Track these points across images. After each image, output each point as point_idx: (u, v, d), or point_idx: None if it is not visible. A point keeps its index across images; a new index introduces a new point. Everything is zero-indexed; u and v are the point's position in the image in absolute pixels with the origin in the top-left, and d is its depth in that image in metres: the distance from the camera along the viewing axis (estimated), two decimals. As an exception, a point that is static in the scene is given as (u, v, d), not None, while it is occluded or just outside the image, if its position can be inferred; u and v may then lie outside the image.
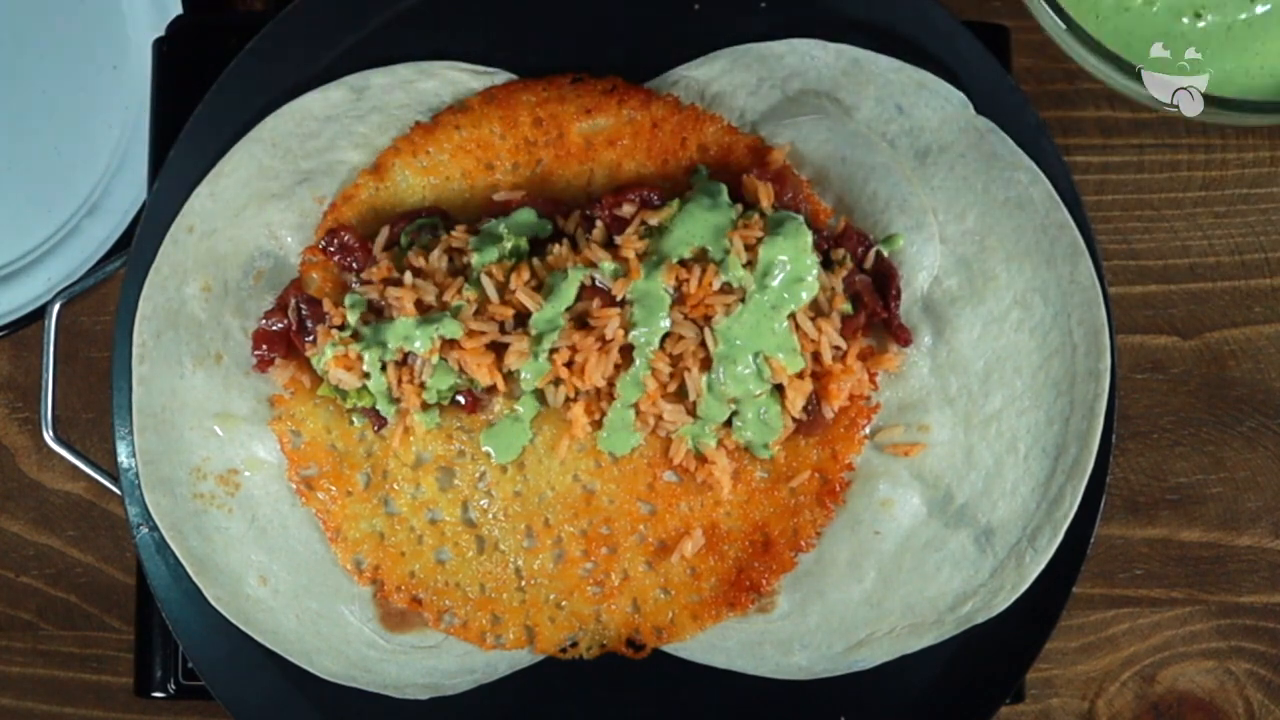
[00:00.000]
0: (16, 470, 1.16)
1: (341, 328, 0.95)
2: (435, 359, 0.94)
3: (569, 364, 0.94)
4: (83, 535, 1.15)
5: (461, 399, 0.96)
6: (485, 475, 0.98)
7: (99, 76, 1.17)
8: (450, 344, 0.94)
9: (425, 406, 0.96)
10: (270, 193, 0.98)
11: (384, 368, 0.95)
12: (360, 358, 0.95)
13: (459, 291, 0.94)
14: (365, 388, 0.96)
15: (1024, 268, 0.97)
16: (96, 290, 1.09)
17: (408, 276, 0.95)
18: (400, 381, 0.95)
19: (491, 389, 0.96)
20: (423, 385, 0.95)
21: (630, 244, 0.94)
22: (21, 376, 1.16)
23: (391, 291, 0.94)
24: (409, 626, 0.98)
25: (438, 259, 0.95)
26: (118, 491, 0.99)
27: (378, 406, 0.96)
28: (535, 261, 0.95)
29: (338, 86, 0.97)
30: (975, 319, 0.98)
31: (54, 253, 1.16)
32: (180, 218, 0.97)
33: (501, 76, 1.00)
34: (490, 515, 0.98)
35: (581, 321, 0.94)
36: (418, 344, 0.93)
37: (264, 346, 0.98)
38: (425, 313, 0.94)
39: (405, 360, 0.95)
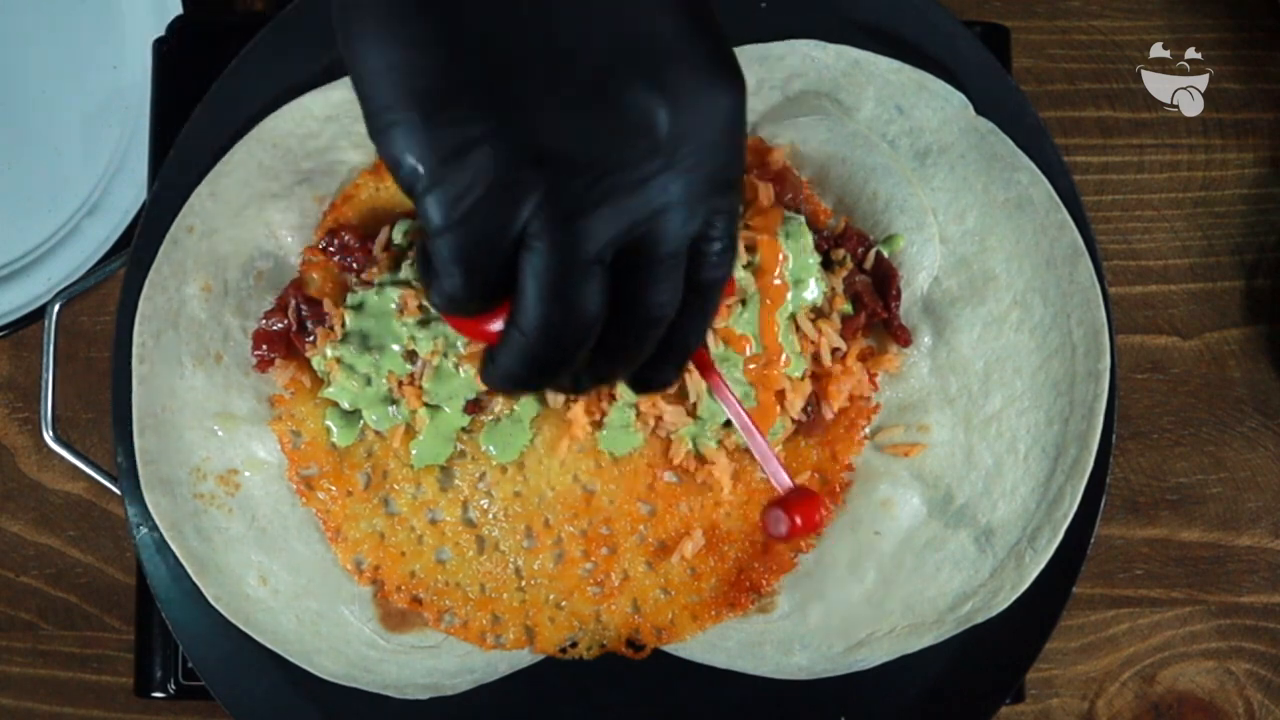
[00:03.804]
0: (16, 470, 1.16)
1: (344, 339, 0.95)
2: (437, 360, 0.94)
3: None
4: (83, 535, 1.15)
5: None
6: (485, 475, 0.98)
7: (99, 76, 1.17)
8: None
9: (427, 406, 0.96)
10: (270, 193, 0.98)
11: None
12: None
13: None
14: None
15: (1024, 268, 0.97)
16: (96, 290, 1.09)
17: (404, 270, 0.95)
18: (401, 384, 0.95)
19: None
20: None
21: None
22: (21, 376, 1.16)
23: (393, 293, 0.94)
24: (409, 626, 0.98)
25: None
26: (118, 491, 0.99)
27: (371, 417, 0.96)
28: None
29: (338, 86, 0.97)
30: (975, 319, 0.98)
31: (54, 253, 1.16)
32: (180, 218, 0.97)
33: (502, 77, 0.99)
34: (490, 515, 0.98)
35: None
36: (421, 345, 0.93)
37: (264, 346, 0.98)
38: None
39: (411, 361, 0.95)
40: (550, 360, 0.59)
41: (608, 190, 0.56)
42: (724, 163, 0.60)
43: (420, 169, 0.56)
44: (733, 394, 0.76)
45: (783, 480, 0.73)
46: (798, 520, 0.71)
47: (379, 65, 0.56)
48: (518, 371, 0.60)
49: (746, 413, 0.75)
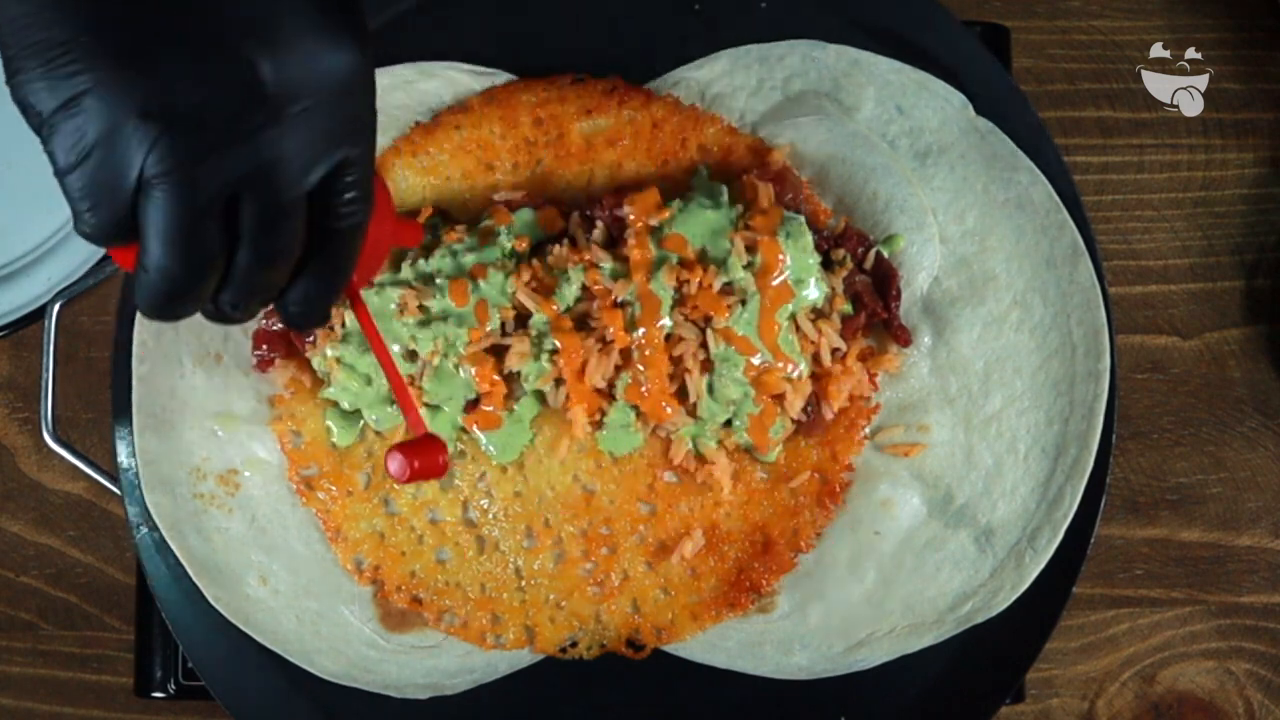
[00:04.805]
0: (16, 470, 1.16)
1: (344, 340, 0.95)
2: (437, 360, 0.94)
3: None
4: (83, 535, 1.15)
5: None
6: (485, 475, 0.98)
7: (99, 76, 1.17)
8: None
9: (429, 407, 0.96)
10: (270, 193, 0.98)
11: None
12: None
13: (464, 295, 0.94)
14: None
15: (1024, 268, 0.97)
16: (96, 290, 1.09)
17: (405, 271, 0.95)
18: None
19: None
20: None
21: (642, 245, 0.93)
22: (21, 376, 1.16)
23: (393, 293, 0.94)
24: (409, 626, 0.98)
25: (439, 260, 0.95)
26: (118, 491, 0.99)
27: (371, 417, 0.96)
28: (535, 262, 0.95)
29: (337, 86, 0.97)
30: (975, 319, 0.98)
31: (54, 253, 1.16)
32: (180, 218, 0.97)
33: (502, 77, 1.00)
34: (490, 515, 0.98)
35: (582, 322, 0.94)
36: (421, 345, 0.93)
37: (264, 346, 0.98)
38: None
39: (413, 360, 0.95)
40: (175, 295, 0.64)
41: (216, 142, 0.60)
42: (341, 119, 0.63)
43: (42, 114, 0.60)
44: (376, 331, 0.80)
45: (415, 424, 0.77)
46: (415, 464, 0.75)
47: (9, 15, 0.59)
48: (151, 304, 0.64)
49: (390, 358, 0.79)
